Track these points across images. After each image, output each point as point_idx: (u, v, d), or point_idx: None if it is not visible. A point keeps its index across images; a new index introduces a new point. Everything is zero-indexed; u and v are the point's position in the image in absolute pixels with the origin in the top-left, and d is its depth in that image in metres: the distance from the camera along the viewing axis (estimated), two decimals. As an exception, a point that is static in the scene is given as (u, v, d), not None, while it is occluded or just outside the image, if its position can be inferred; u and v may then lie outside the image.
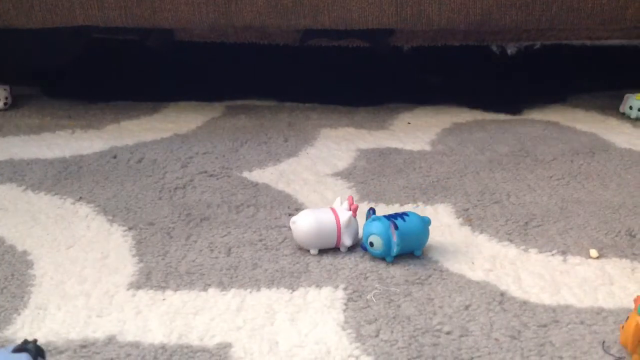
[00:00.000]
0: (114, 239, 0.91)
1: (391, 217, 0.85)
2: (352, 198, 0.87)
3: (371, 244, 0.84)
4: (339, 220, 0.85)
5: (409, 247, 0.85)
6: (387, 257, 0.85)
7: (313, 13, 1.28)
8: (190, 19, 1.29)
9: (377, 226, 0.84)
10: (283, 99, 1.51)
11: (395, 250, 0.83)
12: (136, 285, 0.80)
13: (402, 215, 0.85)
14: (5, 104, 1.40)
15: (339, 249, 0.87)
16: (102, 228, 0.94)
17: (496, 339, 0.71)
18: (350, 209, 0.86)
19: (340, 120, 1.38)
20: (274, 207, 1.00)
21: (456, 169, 1.13)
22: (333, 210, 0.87)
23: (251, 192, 1.05)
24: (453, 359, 0.68)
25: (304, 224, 0.85)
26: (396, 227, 0.82)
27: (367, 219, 0.86)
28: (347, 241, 0.86)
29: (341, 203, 0.88)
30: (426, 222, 0.86)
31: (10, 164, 1.14)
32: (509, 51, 1.51)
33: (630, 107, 1.36)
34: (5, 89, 1.41)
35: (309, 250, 0.87)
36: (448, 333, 0.72)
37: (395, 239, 0.82)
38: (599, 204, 1.00)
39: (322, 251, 0.87)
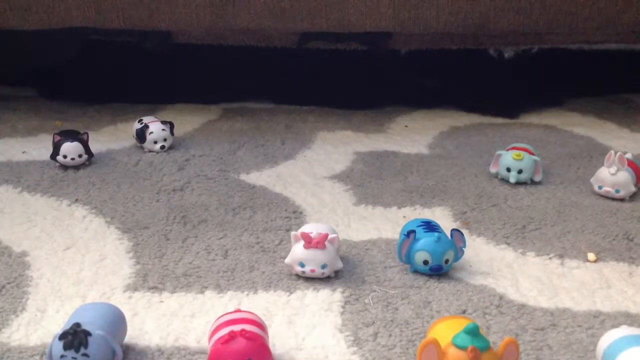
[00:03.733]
0: (111, 241, 0.91)
1: (427, 225, 0.84)
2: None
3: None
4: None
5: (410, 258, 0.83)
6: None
7: (311, 16, 1.28)
8: (187, 21, 1.29)
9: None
10: (280, 102, 1.50)
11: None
12: (133, 287, 0.80)
13: (435, 228, 0.84)
14: None
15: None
16: (98, 230, 0.94)
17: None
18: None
19: (338, 123, 1.38)
20: (271, 209, 1.00)
21: (454, 173, 1.13)
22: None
23: (248, 195, 1.04)
24: (451, 363, 0.68)
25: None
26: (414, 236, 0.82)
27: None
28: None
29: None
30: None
31: (7, 166, 1.14)
32: (506, 55, 1.51)
33: (508, 169, 1.07)
34: None
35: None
36: (446, 336, 0.72)
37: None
38: (597, 208, 1.00)
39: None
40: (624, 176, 1.01)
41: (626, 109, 1.49)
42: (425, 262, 0.81)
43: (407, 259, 0.82)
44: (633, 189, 1.02)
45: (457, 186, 1.08)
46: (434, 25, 1.29)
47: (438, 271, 0.81)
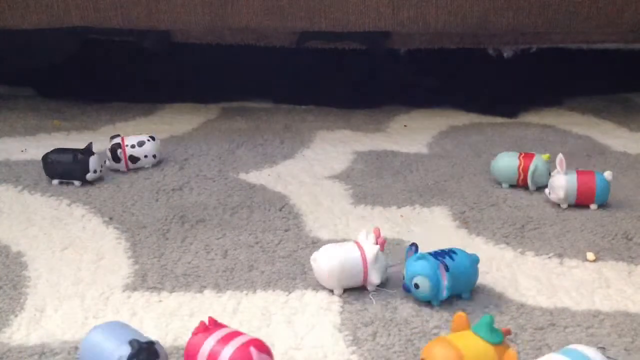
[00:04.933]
0: (110, 240, 0.91)
1: (438, 256, 0.76)
2: (379, 231, 0.79)
3: (416, 286, 0.75)
4: (365, 256, 0.77)
5: (458, 290, 0.77)
6: (433, 301, 0.76)
7: (310, 15, 1.28)
8: (186, 20, 1.28)
9: (423, 266, 0.75)
10: (279, 101, 1.50)
11: (445, 293, 0.75)
12: (132, 287, 0.80)
13: (450, 253, 0.77)
14: None
15: (365, 288, 0.79)
16: (97, 229, 0.93)
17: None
18: (376, 242, 0.78)
19: (337, 122, 1.38)
20: (270, 209, 1.00)
21: (453, 172, 1.13)
22: (358, 244, 0.78)
23: (247, 194, 1.04)
24: (450, 362, 0.68)
25: (325, 262, 0.77)
26: (447, 269, 0.75)
27: (407, 255, 0.78)
28: (375, 279, 0.77)
29: (366, 236, 0.79)
30: (475, 260, 0.78)
31: (6, 165, 1.14)
32: (505, 54, 1.51)
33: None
34: None
35: (332, 291, 0.79)
36: (445, 336, 0.72)
37: (445, 281, 0.74)
38: (598, 208, 1.00)
39: (319, 253, 0.87)
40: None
41: (625, 108, 1.49)
42: (403, 277, 0.78)
43: None
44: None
45: (456, 186, 1.08)
46: (433, 25, 1.29)
47: (407, 291, 0.77)
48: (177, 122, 1.36)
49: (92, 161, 1.06)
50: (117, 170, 1.11)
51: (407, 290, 0.77)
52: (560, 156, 0.99)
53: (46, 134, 1.28)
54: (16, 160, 1.16)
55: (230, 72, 1.50)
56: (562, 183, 0.99)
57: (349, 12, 1.27)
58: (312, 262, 0.79)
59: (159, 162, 1.14)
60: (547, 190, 1.01)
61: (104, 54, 1.50)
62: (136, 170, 1.12)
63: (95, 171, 1.06)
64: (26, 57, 1.50)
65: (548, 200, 1.02)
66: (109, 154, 1.11)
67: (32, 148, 1.21)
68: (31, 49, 1.47)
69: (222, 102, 1.50)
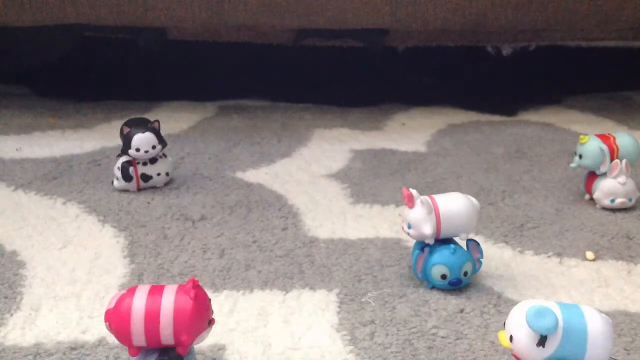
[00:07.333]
0: (105, 239, 0.90)
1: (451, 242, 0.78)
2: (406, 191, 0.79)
3: (465, 274, 0.78)
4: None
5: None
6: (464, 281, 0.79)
7: (307, 12, 1.27)
8: (182, 17, 1.28)
9: (464, 254, 0.78)
10: (276, 99, 1.50)
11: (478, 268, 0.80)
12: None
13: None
14: None
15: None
16: (93, 229, 0.93)
17: (492, 342, 0.70)
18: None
19: (334, 120, 1.37)
20: (267, 208, 0.99)
21: (451, 171, 1.13)
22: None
23: (244, 193, 1.04)
24: (449, 363, 0.67)
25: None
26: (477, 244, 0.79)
27: (417, 255, 0.78)
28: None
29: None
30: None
31: (1, 163, 1.13)
32: (504, 52, 1.51)
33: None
34: None
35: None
36: (443, 337, 0.71)
37: (478, 254, 0.79)
38: (595, 206, 1.00)
39: (316, 253, 0.87)
40: (632, 184, 0.97)
41: (624, 106, 1.49)
42: (444, 277, 0.77)
43: (423, 274, 0.78)
44: (639, 193, 0.99)
45: (454, 184, 1.07)
46: (432, 22, 1.29)
47: (457, 285, 0.77)
48: (174, 120, 1.35)
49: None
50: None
51: (455, 284, 0.77)
52: (625, 161, 0.96)
53: (41, 132, 1.27)
54: (11, 158, 1.15)
55: (227, 69, 1.50)
56: (632, 187, 0.97)
57: (346, 9, 1.26)
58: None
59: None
60: (605, 200, 0.98)
61: (99, 52, 1.49)
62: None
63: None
64: (21, 55, 1.49)
65: (547, 199, 1.02)
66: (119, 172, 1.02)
67: (27, 147, 1.20)
68: (26, 46, 1.46)
69: (218, 100, 1.49)
